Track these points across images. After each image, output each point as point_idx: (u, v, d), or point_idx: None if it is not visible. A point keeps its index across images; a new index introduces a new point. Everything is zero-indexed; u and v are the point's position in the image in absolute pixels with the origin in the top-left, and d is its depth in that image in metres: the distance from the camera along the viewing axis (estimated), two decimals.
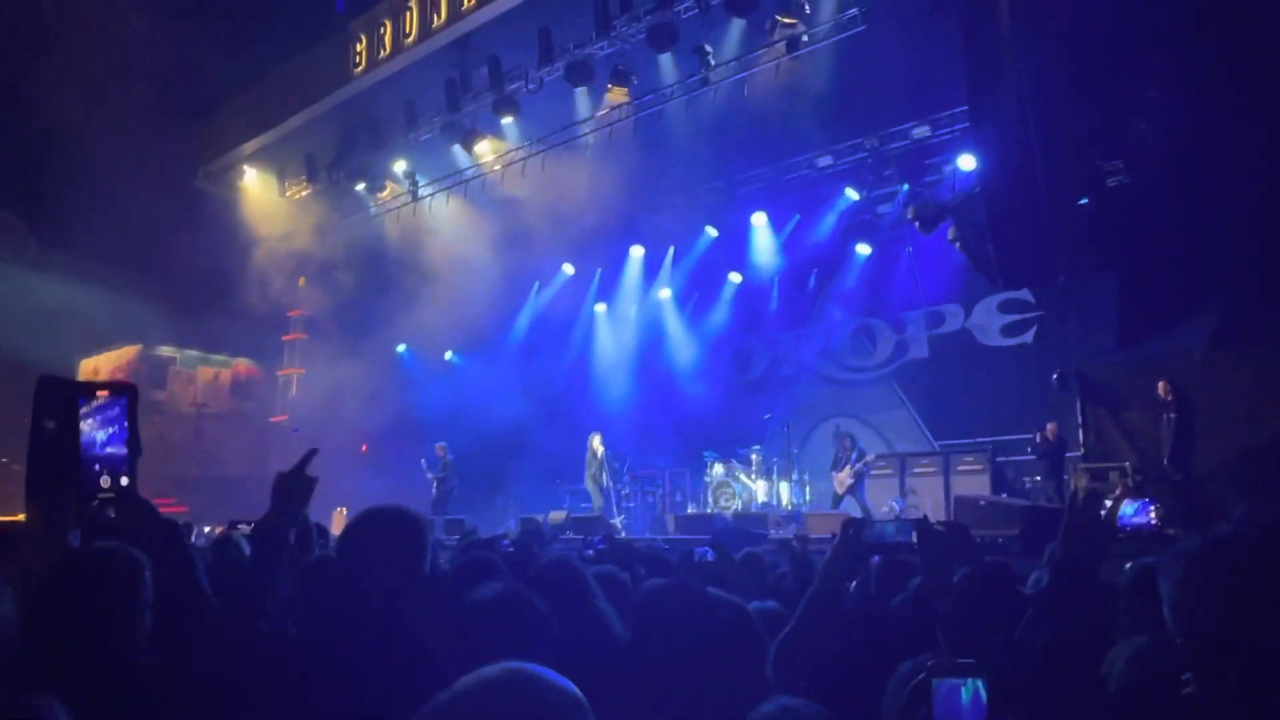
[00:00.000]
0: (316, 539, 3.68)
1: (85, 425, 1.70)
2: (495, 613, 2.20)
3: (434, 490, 16.33)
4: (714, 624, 2.05)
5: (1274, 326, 10.82)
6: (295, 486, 2.56)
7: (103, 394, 1.74)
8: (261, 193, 19.07)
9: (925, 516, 3.44)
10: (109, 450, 1.66)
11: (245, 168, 19.03)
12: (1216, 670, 1.55)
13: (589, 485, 15.57)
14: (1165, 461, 10.59)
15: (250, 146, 18.50)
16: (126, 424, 1.68)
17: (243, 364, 23.01)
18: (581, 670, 2.09)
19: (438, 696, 1.21)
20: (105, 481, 1.68)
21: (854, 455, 13.96)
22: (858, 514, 13.73)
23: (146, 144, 16.44)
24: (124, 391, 1.73)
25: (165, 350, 22.00)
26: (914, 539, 3.17)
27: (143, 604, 2.45)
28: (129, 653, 2.38)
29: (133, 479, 2.10)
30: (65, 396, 1.70)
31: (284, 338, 21.61)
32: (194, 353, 22.34)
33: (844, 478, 13.93)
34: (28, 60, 15.44)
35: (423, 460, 16.46)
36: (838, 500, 13.96)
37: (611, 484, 15.33)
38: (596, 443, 15.49)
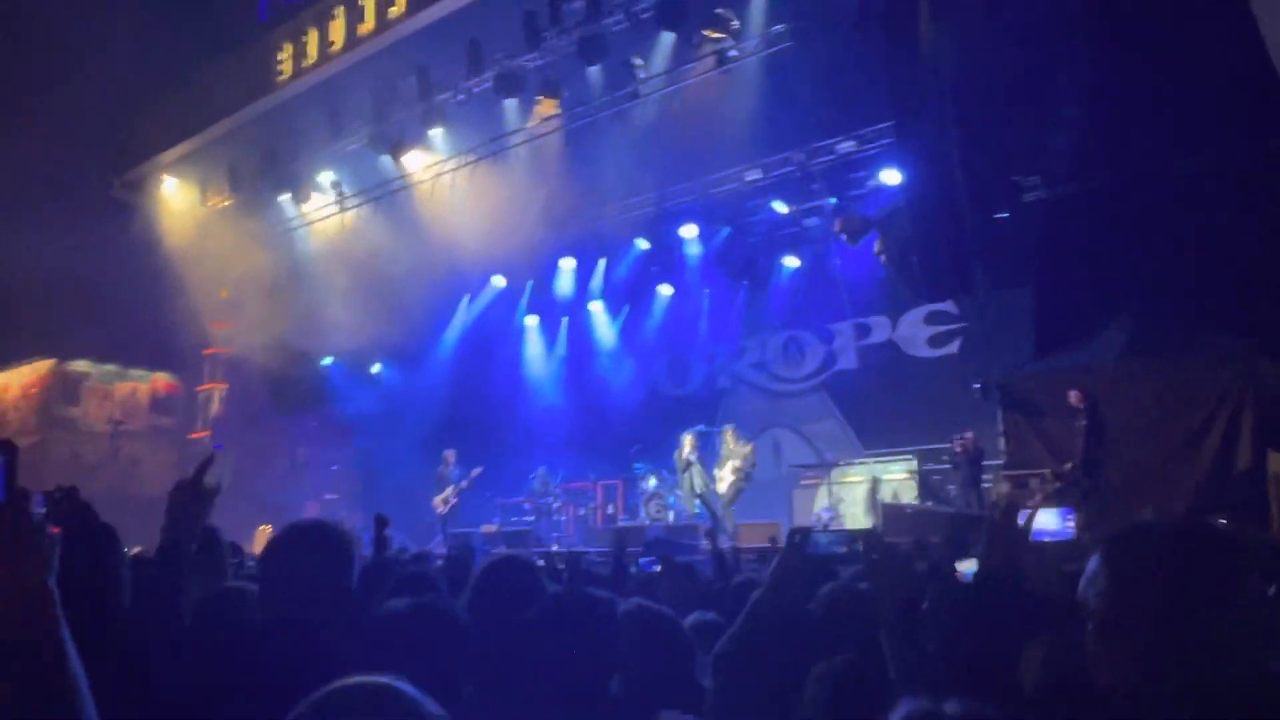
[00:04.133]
0: (229, 559, 3.57)
1: None
2: (408, 624, 2.17)
3: (448, 506, 15.35)
4: (614, 628, 2.04)
5: (1182, 337, 11.25)
6: (193, 498, 2.43)
7: None
8: (182, 203, 18.57)
9: (874, 528, 3.34)
10: None
11: (165, 177, 18.51)
12: (1127, 647, 1.58)
13: (684, 497, 13.93)
14: (1075, 467, 10.90)
15: (170, 156, 18.03)
16: (4, 484, 1.52)
17: (162, 379, 22.33)
18: (502, 674, 2.07)
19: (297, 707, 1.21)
20: None
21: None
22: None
23: (60, 152, 15.93)
24: (2, 449, 1.57)
25: (79, 365, 21.26)
26: (859, 550, 3.05)
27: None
28: None
29: None
30: None
31: (205, 351, 21.04)
32: (110, 368, 21.62)
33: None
34: None
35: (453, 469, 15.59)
36: None
37: (710, 488, 13.45)
38: (689, 445, 13.76)
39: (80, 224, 16.26)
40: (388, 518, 4.84)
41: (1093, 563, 1.65)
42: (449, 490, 15.41)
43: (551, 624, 2.22)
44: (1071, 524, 5.05)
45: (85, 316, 17.82)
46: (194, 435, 21.36)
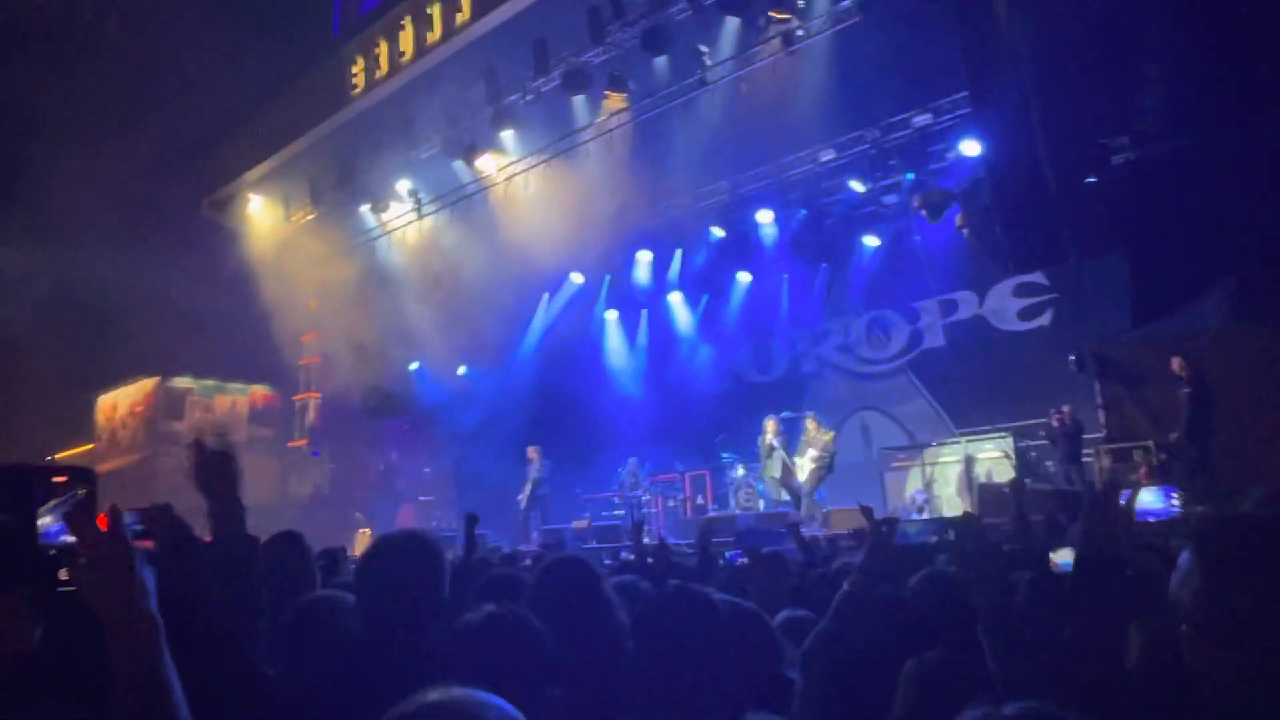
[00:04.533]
0: (317, 563, 3.62)
1: (43, 515, 1.55)
2: (485, 635, 2.16)
3: (525, 500, 15.65)
4: (716, 628, 1.99)
5: None
6: (211, 474, 2.42)
7: (61, 480, 1.61)
8: (267, 219, 19.14)
9: (967, 513, 3.22)
10: (67, 539, 1.51)
11: (250, 195, 19.10)
12: (1225, 652, 1.48)
13: (769, 483, 14.02)
14: (1180, 438, 10.45)
15: (253, 174, 18.58)
16: (87, 512, 1.55)
17: (259, 391, 23.09)
18: (582, 679, 2.05)
19: None
20: (64, 574, 1.53)
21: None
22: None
23: (152, 178, 16.54)
24: (84, 476, 1.60)
25: (182, 382, 22.11)
26: (949, 537, 2.95)
27: None
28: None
29: None
30: (20, 485, 1.55)
31: (299, 362, 21.65)
32: (210, 382, 22.45)
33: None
34: (31, 99, 15.55)
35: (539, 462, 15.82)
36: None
37: (793, 471, 13.49)
38: (771, 430, 13.85)
39: (173, 245, 16.88)
40: (477, 516, 4.88)
41: (1184, 559, 1.53)
42: (527, 486, 15.67)
43: (648, 623, 2.18)
44: (1176, 502, 4.83)
45: (184, 334, 18.51)
46: (293, 444, 22.01)
